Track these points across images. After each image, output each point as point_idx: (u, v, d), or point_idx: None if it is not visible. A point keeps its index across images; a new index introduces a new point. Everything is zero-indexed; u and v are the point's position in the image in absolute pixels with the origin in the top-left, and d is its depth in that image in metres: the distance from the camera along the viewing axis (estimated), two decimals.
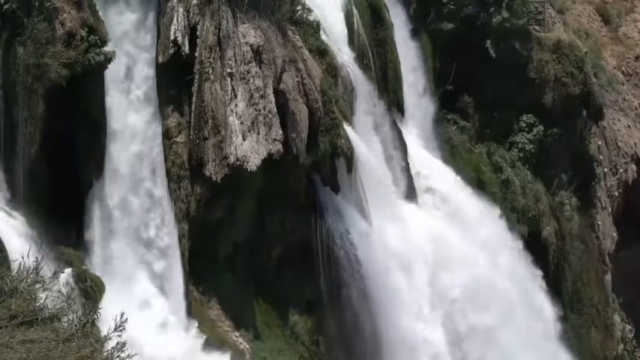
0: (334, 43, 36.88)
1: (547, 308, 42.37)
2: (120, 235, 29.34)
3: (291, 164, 32.89)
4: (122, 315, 14.54)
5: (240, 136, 30.79)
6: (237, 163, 30.63)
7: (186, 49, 30.48)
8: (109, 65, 28.12)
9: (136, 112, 29.88)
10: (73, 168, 28.11)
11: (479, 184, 42.72)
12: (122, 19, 29.71)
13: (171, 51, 30.32)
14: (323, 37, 36.08)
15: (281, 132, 31.84)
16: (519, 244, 42.22)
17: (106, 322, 15.02)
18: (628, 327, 50.12)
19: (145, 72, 29.96)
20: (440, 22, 42.98)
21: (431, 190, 40.21)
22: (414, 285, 36.33)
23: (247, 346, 32.06)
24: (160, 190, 30.32)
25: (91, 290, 26.83)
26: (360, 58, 38.12)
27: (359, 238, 34.64)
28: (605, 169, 48.95)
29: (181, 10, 30.52)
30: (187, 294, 30.63)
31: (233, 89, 31.03)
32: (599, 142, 48.52)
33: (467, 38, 43.05)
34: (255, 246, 33.31)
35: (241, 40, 31.36)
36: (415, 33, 42.82)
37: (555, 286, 44.02)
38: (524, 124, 45.00)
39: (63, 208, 27.49)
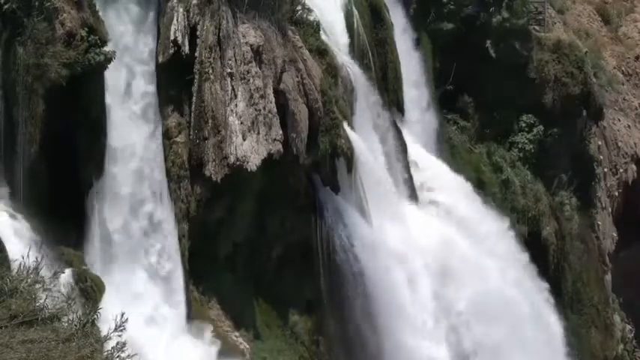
0: (334, 43, 36.89)
1: (554, 322, 42.18)
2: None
3: (291, 164, 32.89)
4: (122, 315, 14.54)
5: (240, 136, 30.78)
6: (237, 163, 30.62)
7: (186, 49, 30.47)
8: (109, 65, 28.12)
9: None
10: (73, 168, 28.10)
11: (479, 184, 42.72)
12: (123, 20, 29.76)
13: (171, 51, 30.31)
14: (323, 37, 36.08)
15: (281, 132, 31.84)
16: (526, 257, 42.05)
17: (105, 322, 15.03)
18: (628, 327, 50.14)
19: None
20: (440, 22, 43.00)
21: (431, 191, 40.15)
22: (414, 285, 36.30)
23: (247, 346, 32.05)
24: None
25: (91, 290, 26.82)
26: (360, 58, 38.12)
27: (359, 238, 34.63)
28: (605, 169, 48.96)
29: (181, 10, 30.51)
30: (187, 294, 30.62)
31: (233, 89, 31.03)
32: (599, 142, 48.54)
33: (467, 38, 43.07)
34: (255, 246, 33.31)
35: (241, 40, 31.36)
36: (418, 42, 42.82)
37: (555, 286, 44.00)
38: (524, 124, 45.02)
39: (63, 208, 27.47)
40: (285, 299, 33.79)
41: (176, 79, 30.73)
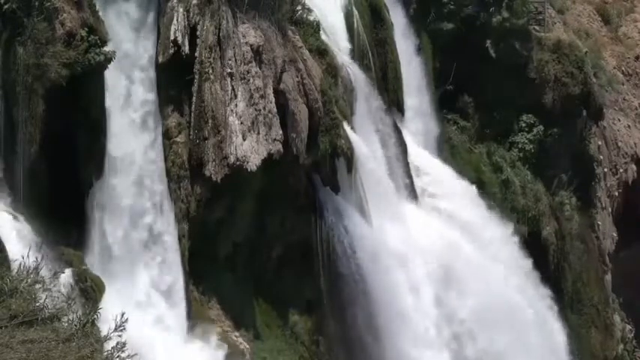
0: (334, 43, 36.89)
1: (557, 330, 42.11)
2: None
3: (291, 164, 32.89)
4: (122, 315, 14.55)
5: (240, 136, 30.78)
6: (237, 163, 30.62)
7: (186, 49, 30.47)
8: (109, 65, 28.13)
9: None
10: (73, 168, 28.10)
11: (479, 184, 42.72)
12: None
13: (171, 51, 30.31)
14: (323, 37, 36.08)
15: (281, 132, 31.84)
16: (529, 263, 41.99)
17: (106, 322, 15.03)
18: (628, 327, 50.13)
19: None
20: (440, 22, 43.01)
21: (434, 197, 40.06)
22: (413, 284, 36.30)
23: (247, 346, 32.06)
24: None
25: (91, 290, 26.82)
26: (360, 58, 38.13)
27: (359, 238, 34.62)
28: (605, 169, 48.96)
29: (181, 10, 30.51)
30: (187, 294, 30.62)
31: (233, 89, 31.04)
32: (599, 142, 48.54)
33: (467, 38, 43.07)
34: (255, 246, 33.31)
35: (241, 40, 31.36)
36: (418, 42, 42.83)
37: (555, 286, 44.00)
38: (524, 124, 45.02)
39: (63, 208, 27.47)
40: (285, 299, 33.79)
41: (176, 79, 30.73)
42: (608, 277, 48.51)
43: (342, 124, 34.71)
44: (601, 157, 48.45)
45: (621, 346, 48.60)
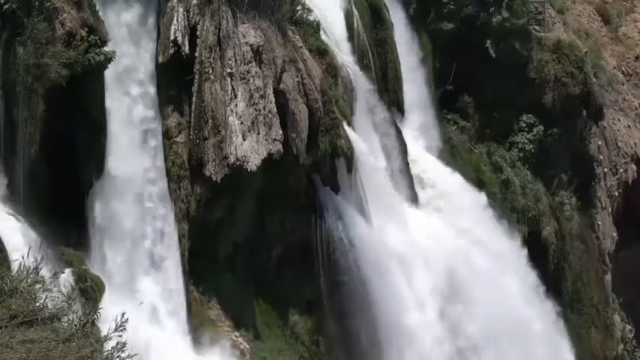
0: (334, 43, 36.89)
1: (564, 346, 42.04)
2: None
3: (291, 164, 32.88)
4: (123, 315, 14.54)
5: (240, 136, 30.78)
6: (237, 163, 30.62)
7: (186, 49, 30.47)
8: (109, 65, 28.12)
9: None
10: (73, 168, 28.09)
11: (479, 184, 42.72)
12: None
13: (171, 51, 30.31)
14: (323, 37, 36.08)
15: (281, 132, 31.84)
16: (537, 281, 41.89)
17: (105, 323, 15.03)
18: (628, 327, 50.12)
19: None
20: (440, 22, 43.00)
21: (439, 211, 39.95)
22: (414, 282, 36.30)
23: (247, 346, 32.05)
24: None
25: (91, 290, 26.81)
26: (360, 58, 38.12)
27: (359, 238, 34.61)
28: (605, 169, 48.95)
29: (181, 10, 30.51)
30: (187, 294, 30.61)
31: (233, 89, 31.03)
32: (599, 142, 48.53)
33: (467, 38, 43.06)
34: (255, 246, 33.31)
35: (241, 40, 31.35)
36: (418, 42, 42.80)
37: (555, 286, 44.00)
38: (524, 124, 45.02)
39: (63, 208, 27.46)
40: (285, 299, 33.79)
41: (176, 79, 30.73)
42: (608, 277, 48.50)
43: (342, 124, 34.71)
44: (601, 157, 48.45)
45: (621, 346, 48.60)
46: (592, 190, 47.70)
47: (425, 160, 40.61)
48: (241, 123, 30.88)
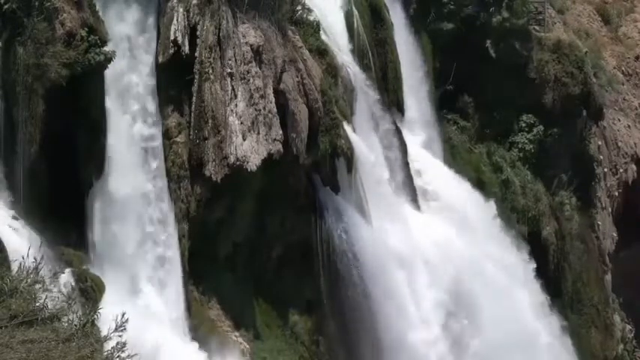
0: (334, 43, 36.88)
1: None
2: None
3: (291, 164, 32.89)
4: (123, 315, 14.54)
5: (240, 136, 30.78)
6: (237, 163, 30.62)
7: (186, 49, 30.47)
8: (109, 65, 28.12)
9: None
10: (73, 168, 28.09)
11: (479, 184, 42.71)
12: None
13: (171, 51, 30.31)
14: (323, 37, 36.08)
15: (281, 132, 31.84)
16: (544, 297, 41.84)
17: (105, 322, 15.02)
18: (628, 327, 50.12)
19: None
20: (440, 22, 43.00)
21: (431, 191, 40.00)
22: (414, 284, 36.29)
23: (247, 346, 32.06)
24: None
25: (91, 290, 26.81)
26: (360, 58, 38.12)
27: (359, 238, 34.61)
28: (605, 169, 48.96)
29: (181, 10, 30.51)
30: (187, 294, 30.61)
31: (233, 89, 31.03)
32: (599, 142, 48.54)
33: (467, 38, 43.06)
34: (255, 246, 33.31)
35: (241, 40, 31.35)
36: (418, 42, 42.76)
37: (555, 286, 44.00)
38: (524, 124, 45.02)
39: (63, 208, 27.46)
40: (285, 299, 33.79)
41: (176, 79, 30.73)
42: (608, 277, 48.51)
43: (342, 124, 34.71)
44: (601, 157, 48.45)
45: (621, 346, 48.60)
46: (592, 190, 47.71)
47: (429, 167, 40.38)
48: (241, 123, 30.88)
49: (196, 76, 30.64)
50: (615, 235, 49.33)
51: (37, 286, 15.39)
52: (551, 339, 40.89)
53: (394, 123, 39.07)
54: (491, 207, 41.60)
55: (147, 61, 30.01)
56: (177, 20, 30.35)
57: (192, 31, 30.69)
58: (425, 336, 35.97)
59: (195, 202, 30.89)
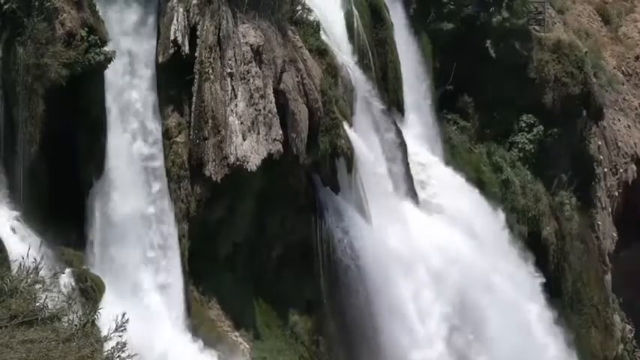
0: (334, 43, 36.88)
1: None
2: None
3: (291, 164, 32.89)
4: (123, 315, 14.54)
5: (240, 136, 30.78)
6: (237, 163, 30.62)
7: (186, 49, 30.47)
8: (109, 65, 28.13)
9: None
10: (73, 168, 28.10)
11: (479, 184, 42.71)
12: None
13: (171, 51, 30.31)
14: (323, 37, 36.08)
15: (281, 132, 31.84)
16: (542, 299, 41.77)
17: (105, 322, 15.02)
18: (628, 327, 50.13)
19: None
20: (440, 22, 43.01)
21: (431, 191, 39.97)
22: (414, 284, 36.28)
23: (247, 346, 32.05)
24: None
25: (91, 290, 26.81)
26: (360, 58, 38.12)
27: (359, 238, 34.61)
28: (605, 169, 48.96)
29: (181, 10, 30.51)
30: (187, 294, 30.61)
31: (233, 89, 31.03)
32: (599, 142, 48.54)
33: (467, 38, 43.06)
34: (255, 246, 33.31)
35: (241, 40, 31.35)
36: (418, 42, 42.76)
37: (555, 286, 43.99)
38: (524, 124, 45.02)
39: (63, 208, 27.46)
40: (285, 299, 33.79)
41: (176, 79, 30.73)
42: (608, 277, 48.51)
43: (342, 124, 34.71)
44: (601, 157, 48.46)
45: (621, 346, 48.60)
46: (592, 190, 47.71)
47: (429, 167, 40.33)
48: (241, 123, 30.88)
49: (196, 76, 30.64)
50: (615, 235, 49.34)
51: (37, 286, 15.40)
52: (557, 353, 40.77)
53: (394, 123, 39.06)
54: (500, 217, 41.51)
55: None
56: (177, 20, 30.35)
57: (192, 31, 30.69)
58: (429, 355, 35.86)
59: (195, 202, 30.89)
